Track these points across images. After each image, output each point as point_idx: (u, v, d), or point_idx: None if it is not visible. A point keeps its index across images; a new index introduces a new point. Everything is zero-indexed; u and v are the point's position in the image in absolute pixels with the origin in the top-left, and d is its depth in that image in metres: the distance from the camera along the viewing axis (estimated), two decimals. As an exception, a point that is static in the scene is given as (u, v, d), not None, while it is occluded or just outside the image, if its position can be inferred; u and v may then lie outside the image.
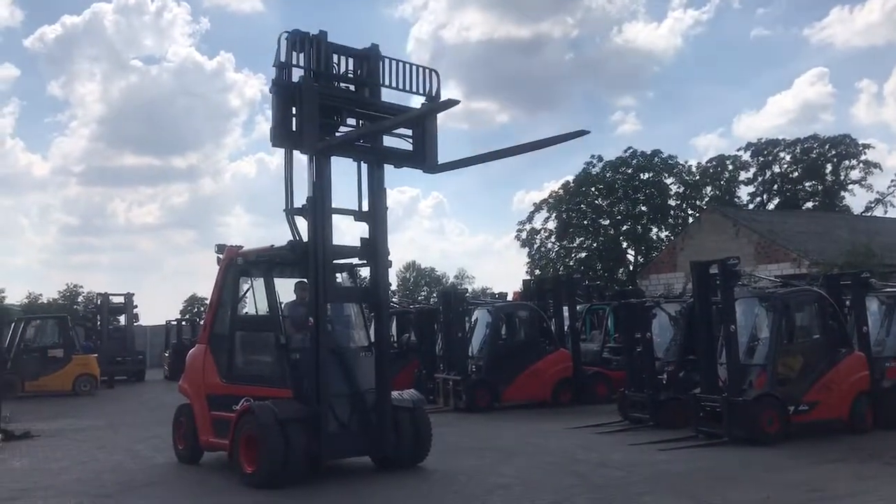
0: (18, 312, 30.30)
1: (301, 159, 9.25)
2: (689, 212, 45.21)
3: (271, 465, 8.55)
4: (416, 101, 10.05)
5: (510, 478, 9.08)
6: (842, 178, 47.49)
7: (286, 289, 10.09)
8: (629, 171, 44.90)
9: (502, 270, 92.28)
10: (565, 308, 17.77)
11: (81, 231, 79.14)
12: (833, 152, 46.99)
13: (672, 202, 46.00)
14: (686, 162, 47.00)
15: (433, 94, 9.87)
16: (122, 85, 73.82)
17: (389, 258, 9.87)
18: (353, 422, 9.33)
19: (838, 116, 77.33)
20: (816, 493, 8.09)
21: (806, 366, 11.68)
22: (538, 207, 46.99)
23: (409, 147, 9.83)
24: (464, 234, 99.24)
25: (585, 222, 45.62)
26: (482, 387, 16.14)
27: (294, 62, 9.17)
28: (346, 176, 10.01)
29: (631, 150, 45.09)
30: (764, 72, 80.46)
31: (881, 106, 78.67)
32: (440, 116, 9.94)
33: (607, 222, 45.65)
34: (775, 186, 48.54)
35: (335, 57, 9.55)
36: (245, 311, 10.28)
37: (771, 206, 47.04)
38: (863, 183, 46.61)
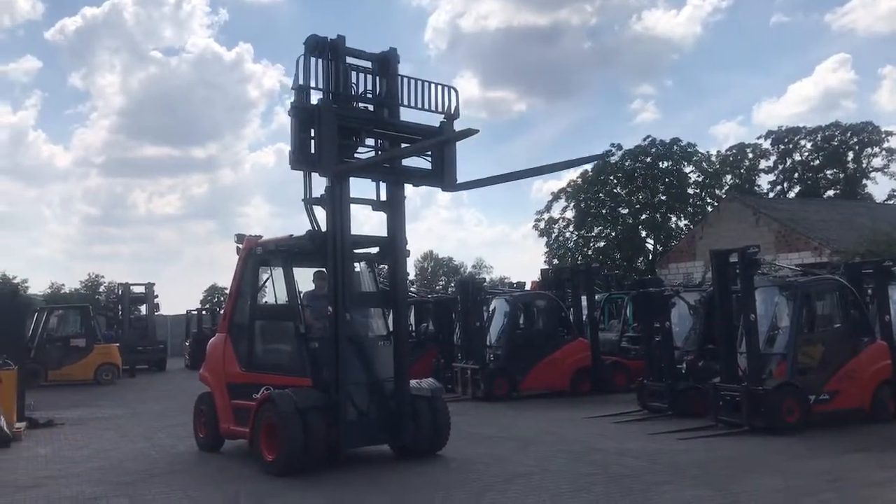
0: (41, 302, 30.62)
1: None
2: (709, 200, 44.89)
3: (291, 453, 8.61)
4: (435, 118, 9.95)
5: (529, 466, 9.09)
6: (864, 165, 47.02)
7: (305, 278, 10.13)
8: (648, 159, 44.60)
9: (520, 260, 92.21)
10: (584, 297, 17.70)
11: (103, 221, 79.84)
12: (855, 140, 46.49)
13: (691, 191, 45.70)
14: (706, 150, 46.70)
15: (452, 112, 9.77)
16: (141, 76, 74.30)
17: (407, 248, 9.89)
18: (371, 410, 9.37)
19: (860, 103, 76.49)
20: (838, 482, 8.04)
21: (827, 355, 11.60)
22: (556, 197, 46.80)
23: (428, 165, 9.83)
24: (482, 223, 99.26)
25: (604, 211, 45.37)
26: (500, 376, 16.14)
27: (312, 84, 9.07)
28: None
29: (650, 139, 44.82)
30: (784, 59, 79.72)
31: (904, 93, 77.67)
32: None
33: (626, 211, 45.37)
34: (796, 175, 48.12)
35: (353, 76, 9.46)
36: (264, 300, 10.33)
37: (791, 195, 46.63)
38: (885, 171, 46.18)
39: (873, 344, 11.76)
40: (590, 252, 44.80)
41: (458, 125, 9.71)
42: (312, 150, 9.01)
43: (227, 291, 11.76)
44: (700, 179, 45.92)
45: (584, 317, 17.50)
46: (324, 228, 9.18)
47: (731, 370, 11.53)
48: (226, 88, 77.11)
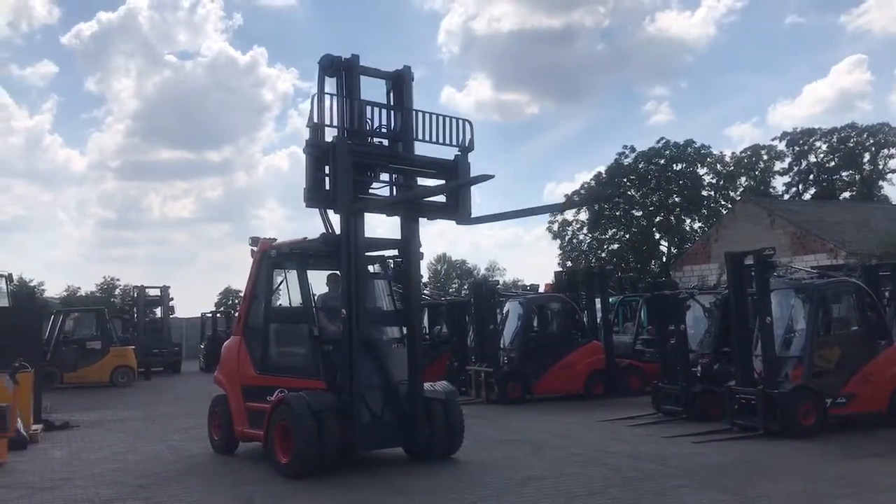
0: (57, 305, 30.83)
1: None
2: (723, 202, 44.69)
3: (305, 456, 8.62)
4: (449, 152, 9.89)
5: (543, 470, 9.06)
6: (880, 167, 46.67)
7: (319, 281, 10.15)
8: (662, 161, 44.46)
9: (534, 263, 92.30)
10: (598, 300, 17.68)
11: (118, 225, 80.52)
12: (871, 141, 46.16)
13: (705, 193, 45.50)
14: (720, 152, 46.49)
15: (466, 145, 9.71)
16: (156, 80, 74.94)
17: (421, 250, 9.89)
18: (386, 413, 9.38)
19: (876, 105, 76.19)
20: (855, 487, 7.96)
21: (843, 358, 11.50)
22: (570, 199, 46.71)
23: (442, 198, 9.82)
24: (494, 226, 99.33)
25: (618, 213, 45.28)
26: (514, 379, 16.10)
27: (327, 122, 9.04)
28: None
29: (664, 141, 44.68)
30: (799, 60, 79.43)
31: (921, 94, 77.06)
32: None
33: (640, 213, 45.27)
34: (811, 176, 47.82)
35: (368, 110, 9.43)
36: (279, 303, 10.36)
37: (807, 197, 46.34)
38: (902, 172, 45.74)
39: (891, 346, 11.66)
40: (604, 254, 44.70)
41: (473, 159, 9.77)
42: (327, 187, 8.97)
43: (242, 294, 11.79)
44: (714, 181, 45.74)
45: (599, 319, 17.46)
46: (338, 231, 9.20)
47: (747, 373, 11.46)
48: (240, 92, 77.71)
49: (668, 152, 44.43)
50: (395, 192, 9.82)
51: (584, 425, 12.63)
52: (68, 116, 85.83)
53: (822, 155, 47.47)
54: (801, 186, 48.08)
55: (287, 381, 9.49)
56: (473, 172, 9.68)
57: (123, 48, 75.16)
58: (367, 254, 9.65)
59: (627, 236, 44.99)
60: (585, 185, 46.30)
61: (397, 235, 9.86)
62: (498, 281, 42.59)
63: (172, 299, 29.83)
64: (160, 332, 29.34)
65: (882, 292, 12.58)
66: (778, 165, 48.33)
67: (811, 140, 47.31)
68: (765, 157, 48.21)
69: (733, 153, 48.39)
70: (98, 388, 21.54)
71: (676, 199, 44.46)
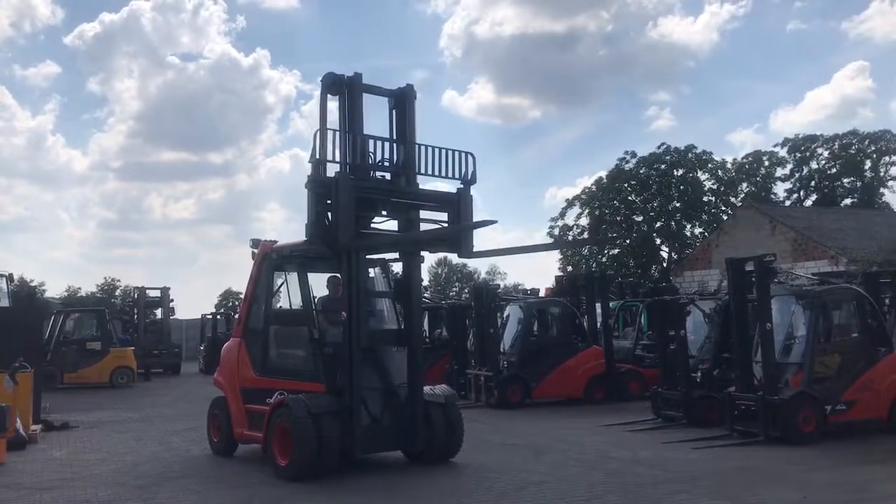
0: (58, 305, 30.83)
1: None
2: (724, 208, 44.69)
3: (304, 458, 8.62)
4: (452, 184, 9.85)
5: (542, 474, 9.05)
6: (881, 174, 46.67)
7: (320, 283, 10.15)
8: (663, 167, 44.47)
9: (534, 267, 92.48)
10: (598, 305, 17.66)
11: (119, 226, 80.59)
12: (873, 148, 46.19)
13: (706, 198, 45.50)
14: (721, 158, 46.55)
15: (468, 178, 9.63)
16: (159, 82, 75.07)
17: (421, 254, 9.88)
18: (385, 416, 9.38)
19: (878, 111, 76.19)
20: (856, 493, 7.96)
21: (844, 364, 11.49)
22: (571, 203, 46.78)
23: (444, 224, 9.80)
24: (496, 230, 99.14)
25: (619, 218, 45.27)
26: (514, 383, 16.09)
27: (329, 157, 8.94)
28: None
29: (665, 146, 44.69)
30: (801, 66, 79.54)
31: (923, 101, 77.10)
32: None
33: (641, 219, 45.26)
34: (813, 183, 47.82)
35: (371, 144, 9.37)
36: (279, 305, 10.35)
37: (808, 203, 46.35)
38: (903, 179, 45.76)
39: (891, 354, 11.64)
40: (604, 259, 44.69)
41: (476, 197, 9.76)
42: (329, 223, 8.89)
43: (242, 296, 11.79)
44: (715, 187, 45.74)
45: (599, 324, 17.45)
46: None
47: (747, 379, 11.45)
48: (242, 94, 77.82)
49: (669, 157, 44.44)
50: (398, 225, 9.73)
51: (583, 430, 12.62)
52: (70, 117, 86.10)
53: (823, 161, 47.51)
54: (802, 193, 48.11)
55: (287, 384, 9.49)
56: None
57: (126, 49, 75.44)
58: (368, 256, 9.63)
59: (628, 241, 44.97)
60: (586, 190, 46.27)
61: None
62: (499, 285, 42.59)
63: (173, 300, 29.85)
64: (160, 333, 29.32)
65: (882, 299, 12.57)
66: (779, 171, 48.41)
67: (813, 146, 47.33)
68: (766, 164, 48.24)
69: (735, 159, 48.52)
70: (98, 389, 21.53)
71: (677, 205, 44.45)
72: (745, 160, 48.46)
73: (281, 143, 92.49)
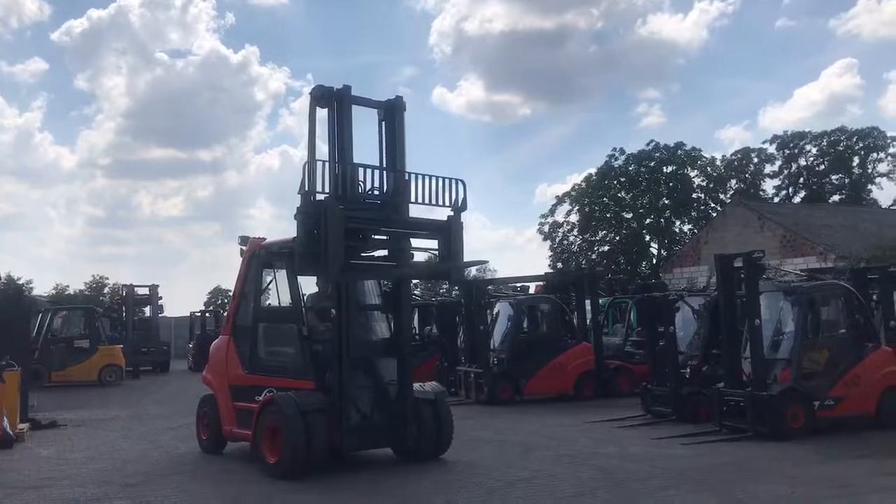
0: (45, 303, 30.68)
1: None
2: (713, 205, 44.86)
3: (294, 456, 8.59)
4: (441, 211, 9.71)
5: (532, 471, 9.06)
6: (869, 171, 46.96)
7: (309, 280, 10.11)
8: (652, 164, 44.60)
9: (525, 264, 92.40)
10: (588, 301, 17.70)
11: (107, 223, 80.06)
12: (860, 145, 46.46)
13: (695, 195, 45.67)
14: (711, 155, 46.70)
15: (458, 205, 9.50)
16: (147, 78, 74.57)
17: (411, 251, 9.84)
18: (375, 414, 9.36)
19: (866, 108, 76.54)
20: (843, 488, 7.99)
21: (832, 360, 11.54)
22: (560, 200, 46.87)
23: (436, 253, 9.74)
24: (486, 227, 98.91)
25: (608, 215, 45.38)
26: (504, 379, 16.12)
27: (318, 188, 8.79)
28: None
29: (654, 143, 44.82)
30: (790, 64, 79.75)
31: (910, 98, 77.55)
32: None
33: (630, 215, 45.39)
34: (801, 179, 48.10)
35: (360, 172, 9.25)
36: (268, 302, 10.33)
37: (797, 200, 46.59)
38: (891, 176, 46.16)
39: (878, 350, 11.71)
40: (594, 256, 44.79)
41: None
42: (318, 253, 8.75)
43: (231, 293, 11.75)
44: (704, 184, 45.91)
45: (588, 321, 17.49)
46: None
47: (736, 375, 11.49)
48: (231, 91, 77.44)
49: (658, 154, 44.58)
50: (388, 252, 9.66)
51: (573, 426, 12.64)
52: (58, 114, 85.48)
53: (811, 158, 47.78)
54: (790, 189, 48.37)
55: (276, 381, 9.46)
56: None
57: (114, 46, 74.95)
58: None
59: (617, 238, 45.09)
60: (576, 187, 46.35)
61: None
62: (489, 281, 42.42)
63: (161, 298, 29.77)
64: (149, 331, 29.22)
65: (870, 295, 12.62)
66: (768, 168, 48.69)
67: (801, 143, 47.59)
68: (755, 160, 48.46)
69: (724, 156, 48.70)
70: (86, 387, 21.43)
71: (666, 202, 44.59)
72: (734, 157, 48.68)
73: (270, 140, 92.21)
